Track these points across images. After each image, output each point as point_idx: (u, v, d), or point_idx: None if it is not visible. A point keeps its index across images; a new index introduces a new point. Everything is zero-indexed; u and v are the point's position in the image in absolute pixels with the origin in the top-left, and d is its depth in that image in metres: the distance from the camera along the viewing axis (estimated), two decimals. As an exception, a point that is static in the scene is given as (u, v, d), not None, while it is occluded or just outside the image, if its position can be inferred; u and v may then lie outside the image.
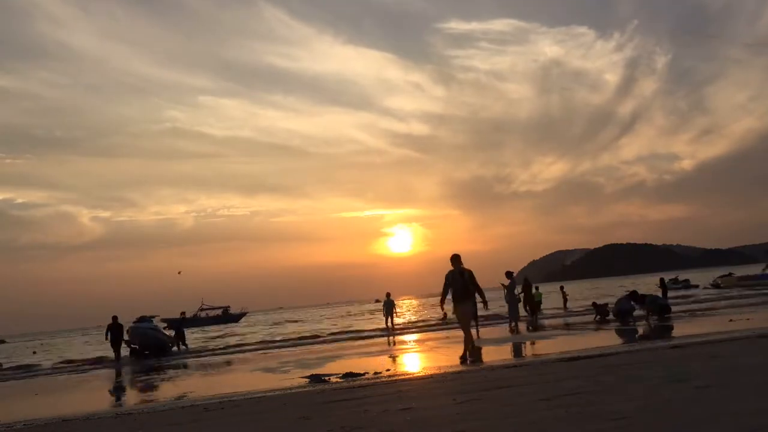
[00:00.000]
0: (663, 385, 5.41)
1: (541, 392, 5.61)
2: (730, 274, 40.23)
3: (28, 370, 21.46)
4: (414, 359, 12.94)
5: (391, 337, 20.66)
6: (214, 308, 72.39)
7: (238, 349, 22.59)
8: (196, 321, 66.39)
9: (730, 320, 14.15)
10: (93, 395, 12.36)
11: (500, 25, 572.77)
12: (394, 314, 25.00)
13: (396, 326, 24.68)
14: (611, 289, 52.36)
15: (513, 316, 18.84)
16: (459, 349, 11.28)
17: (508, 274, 18.97)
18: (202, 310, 71.63)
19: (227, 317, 69.37)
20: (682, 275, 62.04)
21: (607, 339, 13.09)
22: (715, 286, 38.55)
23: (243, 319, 70.37)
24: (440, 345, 15.62)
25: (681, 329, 13.64)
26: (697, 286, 43.34)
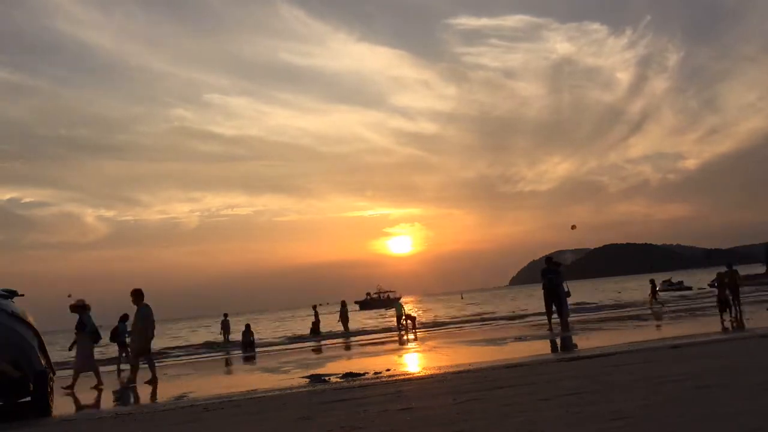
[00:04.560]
0: (663, 384, 5.41)
1: (541, 392, 5.61)
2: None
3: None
4: (414, 359, 12.95)
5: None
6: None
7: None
8: None
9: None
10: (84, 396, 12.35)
11: (512, 21, 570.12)
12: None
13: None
14: (605, 289, 52.22)
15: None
16: (452, 350, 11.24)
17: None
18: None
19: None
20: (683, 275, 61.72)
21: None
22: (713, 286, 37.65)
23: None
24: (440, 345, 15.62)
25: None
26: (690, 288, 41.06)
